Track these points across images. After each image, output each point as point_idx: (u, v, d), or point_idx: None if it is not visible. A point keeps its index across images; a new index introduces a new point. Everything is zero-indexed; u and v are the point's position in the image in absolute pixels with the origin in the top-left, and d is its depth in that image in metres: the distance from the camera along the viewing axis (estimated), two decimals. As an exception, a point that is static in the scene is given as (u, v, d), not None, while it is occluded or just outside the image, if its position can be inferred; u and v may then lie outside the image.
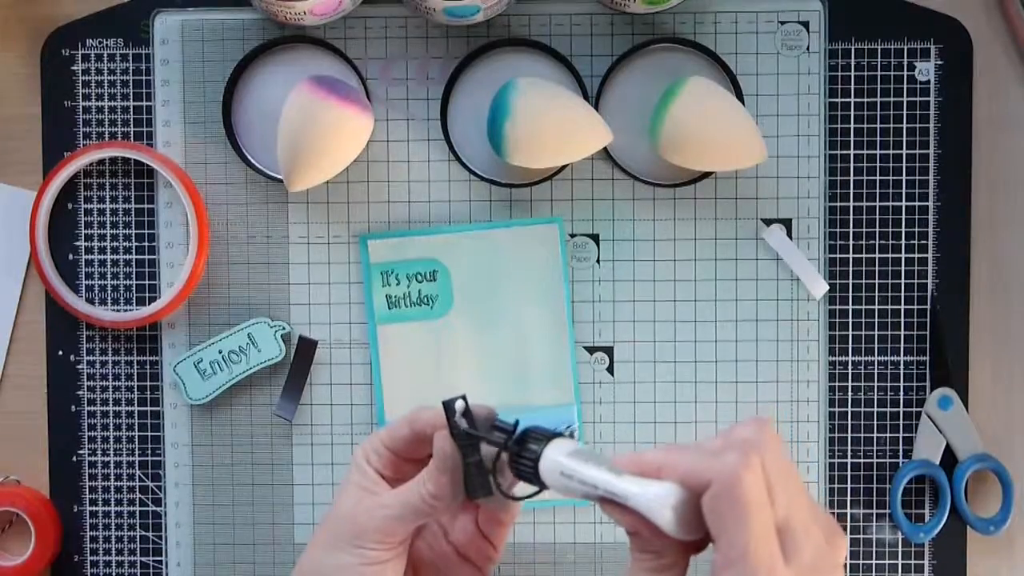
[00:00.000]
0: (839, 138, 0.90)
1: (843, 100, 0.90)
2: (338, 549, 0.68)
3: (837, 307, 0.91)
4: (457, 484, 0.66)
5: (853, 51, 0.90)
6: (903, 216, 0.90)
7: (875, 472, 0.91)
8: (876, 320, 0.91)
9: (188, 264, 0.89)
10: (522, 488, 0.66)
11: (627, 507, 0.60)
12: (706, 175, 0.90)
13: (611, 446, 0.91)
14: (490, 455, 0.66)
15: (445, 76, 0.90)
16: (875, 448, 0.91)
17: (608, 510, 0.61)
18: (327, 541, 0.69)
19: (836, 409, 0.91)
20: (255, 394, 0.92)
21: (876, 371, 0.91)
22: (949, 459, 0.90)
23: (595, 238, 0.91)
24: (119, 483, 0.92)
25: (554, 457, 0.63)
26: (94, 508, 0.92)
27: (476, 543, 0.72)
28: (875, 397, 0.91)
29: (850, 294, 0.91)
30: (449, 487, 0.66)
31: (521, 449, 0.64)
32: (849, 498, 0.91)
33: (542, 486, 0.64)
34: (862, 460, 0.91)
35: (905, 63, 0.90)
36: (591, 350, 0.91)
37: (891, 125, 0.90)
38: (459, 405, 0.66)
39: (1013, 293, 0.91)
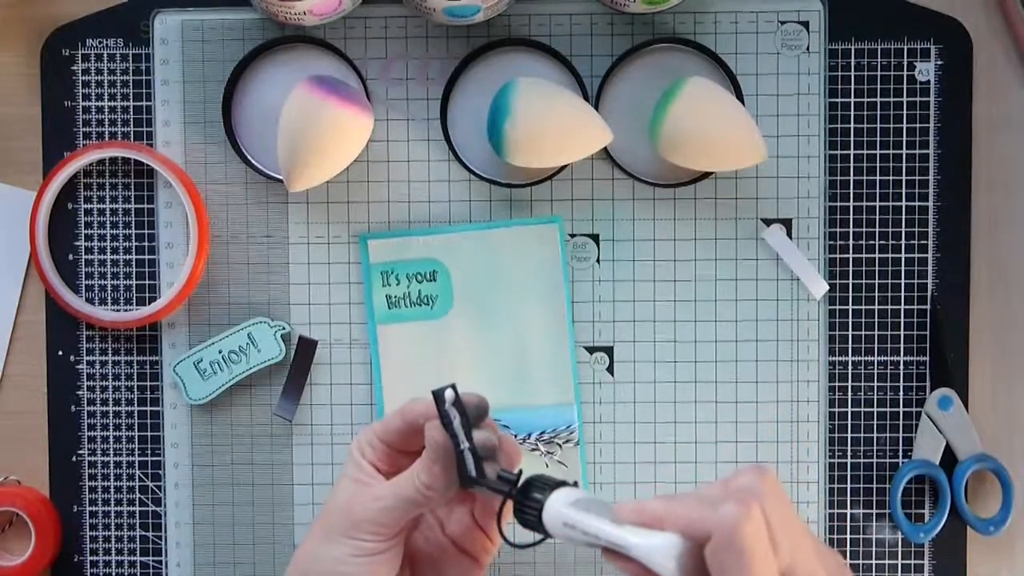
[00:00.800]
0: (839, 138, 0.90)
1: (843, 100, 0.90)
2: (333, 541, 0.69)
3: (837, 307, 0.91)
4: (450, 473, 0.67)
5: (853, 51, 0.90)
6: (903, 216, 0.90)
7: (875, 472, 0.91)
8: (876, 320, 0.91)
9: (188, 264, 0.89)
10: (525, 535, 0.67)
11: (631, 557, 0.60)
12: (706, 175, 0.90)
13: (611, 446, 0.91)
14: (481, 443, 0.66)
15: (445, 76, 0.90)
16: (875, 448, 0.91)
17: (612, 560, 0.62)
18: (322, 533, 0.69)
19: (836, 409, 0.91)
20: (255, 394, 0.92)
21: (876, 371, 0.91)
22: (949, 459, 0.90)
23: (595, 238, 0.91)
24: (119, 483, 0.92)
25: (557, 507, 0.63)
26: (94, 508, 0.92)
27: (473, 535, 0.72)
28: (875, 397, 0.91)
29: (850, 294, 0.91)
30: (442, 476, 0.67)
31: (525, 498, 0.65)
32: (849, 498, 0.91)
33: (546, 534, 0.64)
34: (862, 460, 0.91)
35: (905, 63, 0.90)
36: (591, 350, 0.91)
37: (891, 125, 0.90)
38: (448, 394, 0.66)
39: (1013, 293, 0.91)
